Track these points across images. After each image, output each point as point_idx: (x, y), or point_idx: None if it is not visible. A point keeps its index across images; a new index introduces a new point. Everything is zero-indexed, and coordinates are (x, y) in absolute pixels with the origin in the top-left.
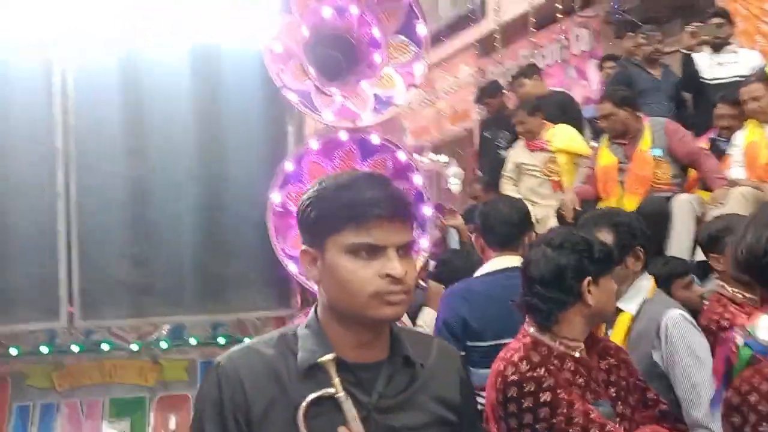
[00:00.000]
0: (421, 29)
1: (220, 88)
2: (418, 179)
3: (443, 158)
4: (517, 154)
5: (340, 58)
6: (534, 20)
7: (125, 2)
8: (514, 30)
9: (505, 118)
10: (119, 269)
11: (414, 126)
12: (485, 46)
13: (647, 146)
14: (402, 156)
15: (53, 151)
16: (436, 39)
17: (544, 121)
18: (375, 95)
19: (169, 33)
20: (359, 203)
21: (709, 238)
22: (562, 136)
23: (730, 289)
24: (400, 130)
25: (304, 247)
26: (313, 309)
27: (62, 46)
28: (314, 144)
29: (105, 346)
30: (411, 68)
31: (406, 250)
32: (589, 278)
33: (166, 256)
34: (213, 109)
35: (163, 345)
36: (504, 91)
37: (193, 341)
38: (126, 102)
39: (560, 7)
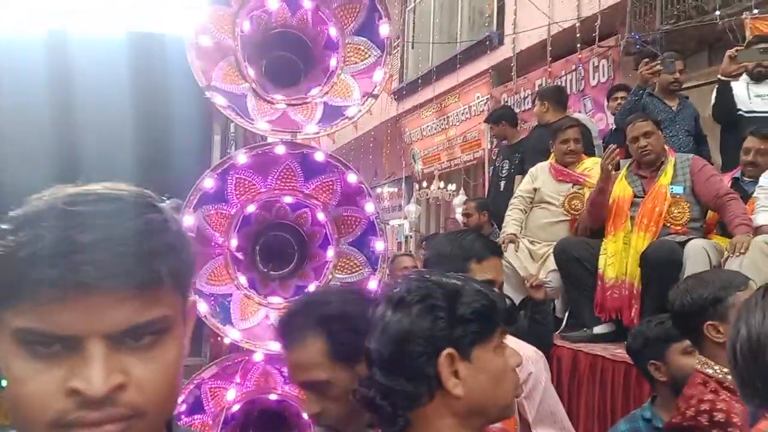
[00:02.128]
0: (384, 30)
1: (150, 80)
2: (370, 207)
3: (451, 187)
4: (538, 178)
5: (297, 62)
6: (552, 49)
7: None
8: (531, 58)
9: (513, 147)
10: None
11: (424, 153)
12: (500, 74)
13: (667, 181)
14: (352, 178)
15: None
16: (451, 65)
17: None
18: (325, 104)
19: (102, 15)
20: (34, 260)
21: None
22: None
23: (717, 368)
24: (410, 156)
25: None
26: None
27: None
28: (242, 157)
29: None
30: (371, 75)
31: (143, 335)
32: (449, 351)
33: None
34: (141, 104)
35: None
36: (505, 121)
37: None
38: (50, 84)
39: (579, 36)
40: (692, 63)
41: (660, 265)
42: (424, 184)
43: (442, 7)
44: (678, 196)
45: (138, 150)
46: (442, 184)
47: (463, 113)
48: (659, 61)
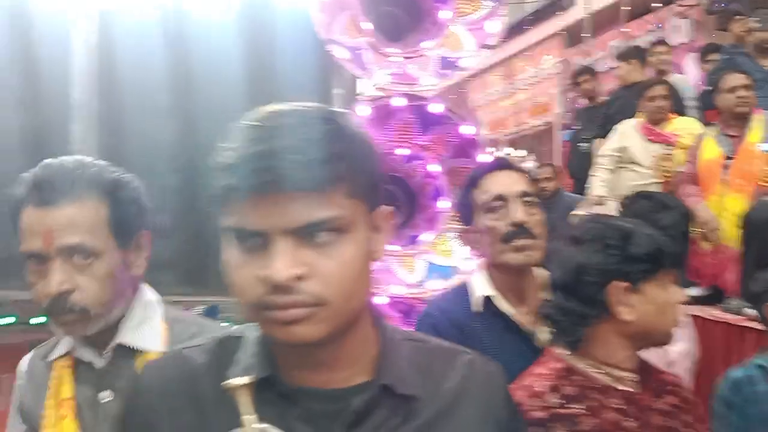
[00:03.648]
0: None
1: (267, 42)
2: (485, 158)
3: (521, 153)
4: (625, 138)
5: (402, 16)
6: (627, 9)
7: None
8: (604, 19)
9: (595, 108)
10: None
11: (490, 118)
12: (572, 36)
13: (757, 139)
14: (466, 130)
15: (71, 104)
16: (519, 28)
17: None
18: (439, 57)
19: None
20: (236, 168)
21: None
22: (691, 131)
23: None
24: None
25: None
26: None
27: None
28: (363, 110)
29: None
30: (482, 26)
31: (320, 232)
32: (620, 283)
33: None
34: (259, 66)
35: None
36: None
37: None
38: (165, 56)
39: None
40: None
41: (764, 225)
42: (491, 149)
43: None
44: None
45: (256, 103)
46: (511, 150)
47: (532, 77)
48: (755, 18)
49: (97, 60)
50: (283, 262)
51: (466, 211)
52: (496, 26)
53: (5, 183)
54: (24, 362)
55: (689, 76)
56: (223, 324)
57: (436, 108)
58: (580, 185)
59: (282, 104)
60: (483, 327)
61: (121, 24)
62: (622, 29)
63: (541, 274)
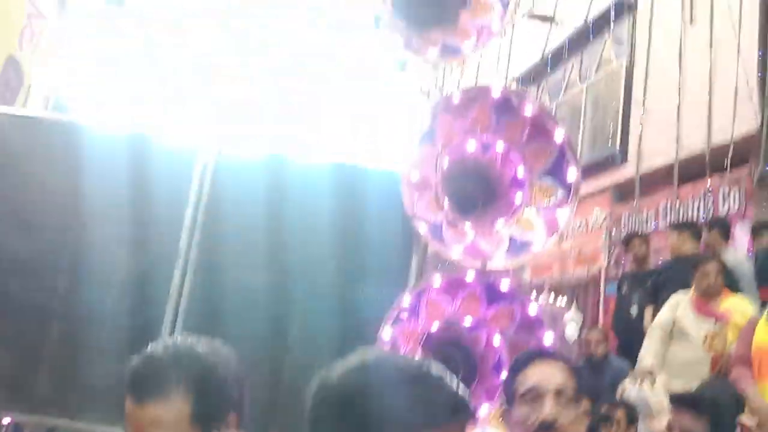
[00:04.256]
0: (572, 174)
1: (356, 206)
2: (548, 338)
3: (563, 301)
4: (678, 310)
5: (477, 193)
6: (679, 172)
7: (277, 107)
8: (655, 179)
9: (644, 274)
10: None
11: (535, 262)
12: (622, 192)
13: None
14: (533, 309)
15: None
16: None
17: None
18: (511, 237)
19: (315, 145)
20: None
21: None
22: (743, 310)
23: None
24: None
25: None
26: None
27: (211, 135)
28: (437, 281)
29: None
30: (554, 213)
31: None
32: None
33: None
34: (348, 227)
35: None
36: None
37: None
38: (265, 203)
39: (708, 162)
40: None
41: None
42: (533, 294)
43: (563, 124)
44: None
45: (343, 264)
46: (552, 297)
47: (580, 226)
48: None
49: (204, 210)
50: None
51: (508, 394)
52: (566, 214)
53: (107, 317)
54: None
55: (740, 247)
56: None
57: (504, 284)
58: (624, 347)
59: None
60: None
61: (229, 174)
62: (673, 191)
63: None
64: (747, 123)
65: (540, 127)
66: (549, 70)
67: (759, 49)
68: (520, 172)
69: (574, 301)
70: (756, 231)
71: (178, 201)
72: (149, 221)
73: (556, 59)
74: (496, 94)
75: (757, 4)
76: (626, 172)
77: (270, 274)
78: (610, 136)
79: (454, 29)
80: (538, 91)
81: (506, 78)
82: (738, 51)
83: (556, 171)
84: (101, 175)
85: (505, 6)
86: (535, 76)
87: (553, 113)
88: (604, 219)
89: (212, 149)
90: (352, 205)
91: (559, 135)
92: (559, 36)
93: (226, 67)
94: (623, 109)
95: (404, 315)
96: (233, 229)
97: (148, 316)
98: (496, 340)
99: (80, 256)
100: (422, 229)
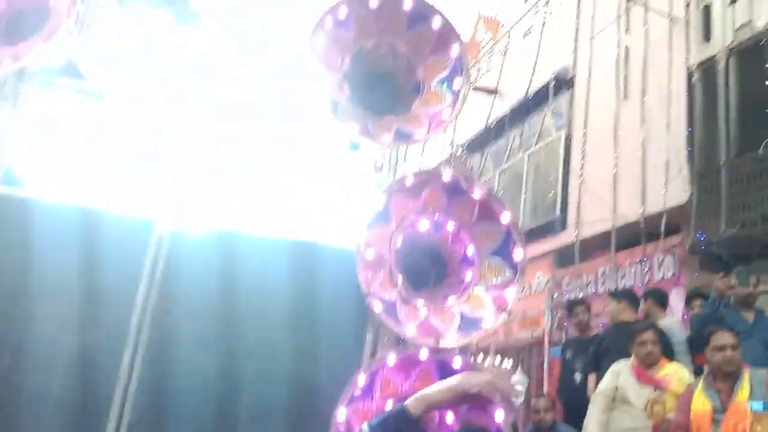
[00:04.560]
0: (518, 254)
1: (310, 284)
2: (499, 416)
3: (508, 364)
4: (620, 377)
5: (430, 269)
6: (616, 240)
7: (230, 183)
8: (594, 246)
9: (587, 341)
10: None
11: None
12: (563, 257)
13: (745, 397)
14: None
15: (126, 330)
16: None
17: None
18: (462, 315)
19: (269, 222)
20: None
21: None
22: (680, 377)
23: None
24: None
25: None
26: None
27: (165, 210)
28: (391, 360)
29: None
30: (503, 292)
31: None
32: None
33: None
34: (302, 305)
35: None
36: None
37: None
38: (218, 280)
39: (643, 230)
40: (756, 268)
41: None
42: (480, 357)
43: (505, 190)
44: (759, 413)
45: (297, 343)
46: (497, 360)
47: (523, 290)
48: (735, 277)
49: (157, 289)
50: None
51: None
52: (513, 293)
53: (46, 398)
54: None
55: (675, 314)
56: None
57: (457, 362)
58: (569, 413)
59: None
60: None
61: (181, 250)
62: (610, 257)
63: None
64: (678, 194)
65: (488, 209)
66: (492, 139)
67: (687, 126)
68: (470, 251)
69: (520, 364)
70: (689, 299)
71: (130, 277)
72: (99, 298)
73: (499, 129)
74: (446, 177)
75: (684, 83)
76: (566, 237)
77: (222, 353)
78: (551, 204)
79: (407, 117)
80: (482, 158)
81: (452, 145)
82: (668, 126)
83: (504, 251)
84: (50, 250)
85: (456, 95)
86: (479, 144)
87: (497, 180)
88: (547, 282)
89: (166, 223)
90: (306, 282)
91: (505, 217)
92: (502, 107)
93: (226, 67)
94: (562, 178)
95: (358, 394)
96: (185, 306)
97: (97, 397)
98: (449, 418)
99: (25, 333)
100: (377, 307)
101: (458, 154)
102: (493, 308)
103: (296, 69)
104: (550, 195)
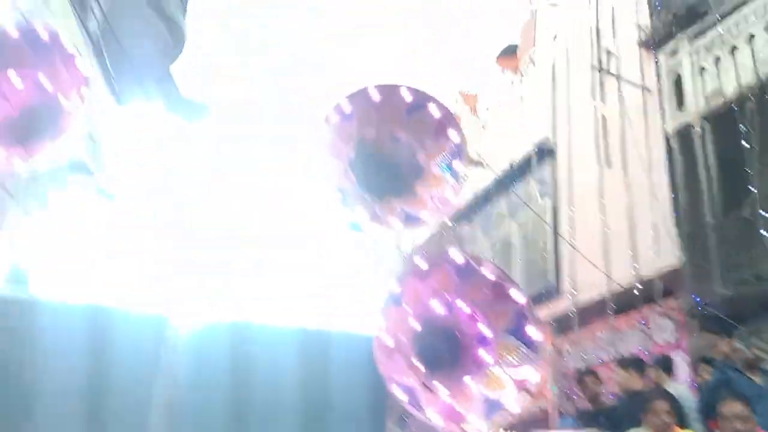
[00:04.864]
0: (533, 332)
1: (325, 373)
2: None
3: None
4: None
5: (445, 350)
6: (612, 305)
7: (240, 276)
8: (591, 312)
9: (598, 413)
10: None
11: None
12: (561, 324)
13: None
14: None
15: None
16: None
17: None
18: (485, 398)
19: (281, 312)
20: None
21: None
22: None
23: None
24: None
25: None
26: None
27: (179, 305)
28: None
29: None
30: (521, 371)
31: None
32: None
33: None
34: (316, 395)
35: None
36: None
37: None
38: (229, 372)
39: (638, 295)
40: (758, 328)
41: None
42: None
43: (494, 258)
44: None
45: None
46: None
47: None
48: (737, 340)
49: (165, 386)
50: None
51: None
52: (534, 373)
53: None
54: None
55: (681, 379)
56: None
57: None
58: None
59: None
60: None
61: (194, 342)
62: (609, 322)
63: None
64: (669, 257)
65: (500, 289)
66: (480, 207)
67: (672, 191)
68: (485, 330)
69: None
70: (696, 366)
71: (143, 375)
72: (111, 399)
73: (485, 199)
74: (459, 259)
75: (663, 149)
76: (562, 305)
77: None
78: (543, 271)
79: (413, 199)
80: (470, 225)
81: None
82: (651, 191)
83: (518, 330)
84: (60, 352)
85: (456, 177)
86: (468, 212)
87: (490, 250)
88: (548, 353)
89: (180, 319)
90: (319, 371)
91: (517, 296)
92: (487, 177)
93: (226, 67)
94: (553, 245)
95: None
96: (197, 400)
97: None
98: None
99: None
100: (401, 396)
101: (447, 226)
102: (514, 388)
103: (296, 69)
104: (542, 262)
